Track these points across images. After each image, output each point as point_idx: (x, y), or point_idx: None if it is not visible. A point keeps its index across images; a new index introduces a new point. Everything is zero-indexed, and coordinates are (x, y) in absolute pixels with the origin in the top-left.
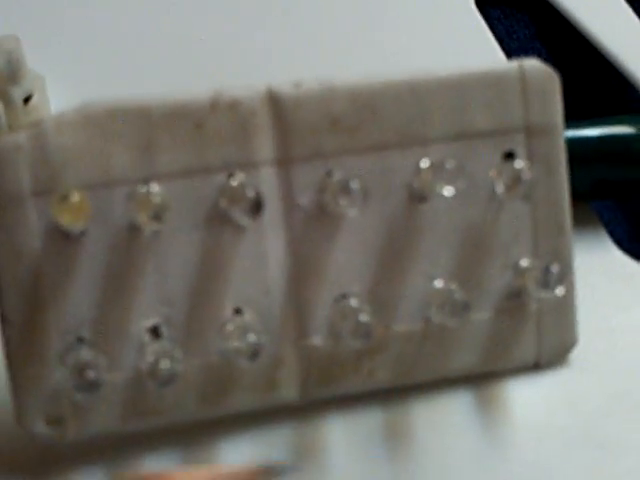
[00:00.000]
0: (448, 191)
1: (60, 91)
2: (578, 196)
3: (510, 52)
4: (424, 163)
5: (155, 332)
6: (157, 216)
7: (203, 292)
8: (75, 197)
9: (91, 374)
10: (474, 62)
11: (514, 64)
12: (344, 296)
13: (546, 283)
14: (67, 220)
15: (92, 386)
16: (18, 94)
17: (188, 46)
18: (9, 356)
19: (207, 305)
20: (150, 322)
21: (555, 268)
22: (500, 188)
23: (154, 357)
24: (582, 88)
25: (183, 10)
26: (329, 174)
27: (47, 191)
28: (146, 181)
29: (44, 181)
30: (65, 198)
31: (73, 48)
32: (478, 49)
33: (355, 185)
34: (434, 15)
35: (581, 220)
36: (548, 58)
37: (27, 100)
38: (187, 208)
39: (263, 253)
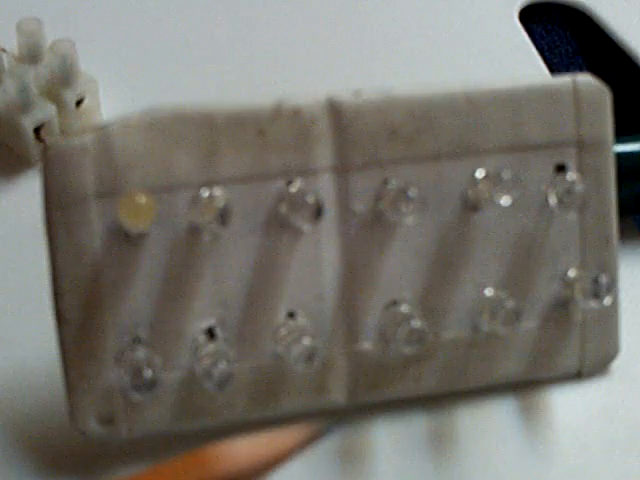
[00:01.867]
0: (505, 201)
1: (111, 95)
2: (621, 210)
3: (552, 68)
4: (480, 173)
5: (210, 333)
6: (220, 220)
7: (258, 295)
8: (142, 199)
9: (148, 373)
10: (518, 77)
11: (567, 78)
12: (395, 302)
13: (595, 293)
14: (132, 221)
15: (149, 385)
16: (71, 97)
17: (245, 53)
18: (64, 354)
19: (261, 308)
20: (205, 323)
21: (603, 279)
22: (553, 200)
23: (210, 358)
24: (622, 104)
25: (242, 17)
26: (385, 182)
27: (110, 193)
28: (208, 185)
29: (108, 183)
30: (132, 199)
31: (127, 52)
32: (522, 64)
33: (413, 193)
34: (479, 31)
35: (624, 233)
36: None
37: (79, 103)
38: (246, 213)
39: (318, 259)
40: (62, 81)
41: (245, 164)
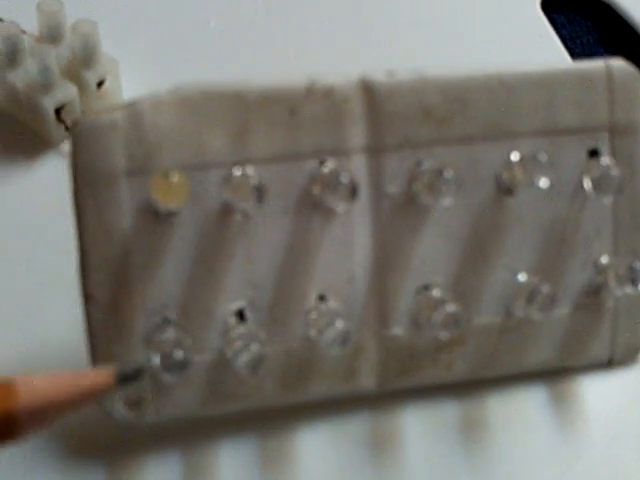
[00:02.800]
0: (544, 182)
1: (132, 76)
2: None
3: (573, 57)
4: (514, 156)
5: (240, 315)
6: (255, 198)
7: (289, 277)
8: (175, 177)
9: (179, 354)
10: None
11: (601, 63)
12: (426, 287)
13: (631, 280)
14: (165, 199)
15: (180, 366)
16: (92, 78)
17: (273, 34)
18: (91, 335)
19: (292, 290)
20: (236, 305)
21: (638, 265)
22: (588, 184)
23: (241, 341)
24: None
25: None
26: (418, 164)
27: (141, 171)
28: (240, 164)
29: (138, 161)
30: (166, 177)
31: (148, 33)
32: (545, 53)
33: (449, 174)
34: (502, 19)
35: None
36: None
37: (100, 84)
38: (278, 193)
39: (349, 240)
40: (83, 62)
41: (277, 143)
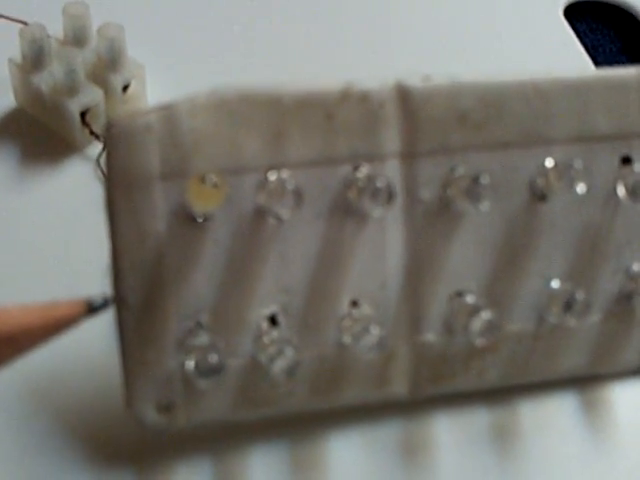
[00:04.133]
0: (581, 188)
1: (157, 81)
2: None
3: (597, 65)
4: (549, 162)
5: (272, 320)
6: (293, 203)
7: (322, 282)
8: (213, 180)
9: (214, 358)
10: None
11: (634, 70)
12: (459, 293)
13: None
14: (202, 203)
15: (215, 371)
16: (118, 82)
17: (303, 39)
18: (123, 339)
19: (325, 295)
20: (268, 310)
21: None
22: (622, 191)
23: (276, 346)
24: None
25: (311, 2)
26: (453, 169)
27: (176, 174)
28: (275, 169)
29: (173, 164)
30: (203, 181)
31: (174, 38)
32: (569, 61)
33: (485, 180)
34: (526, 28)
35: None
36: None
37: (125, 88)
38: (312, 198)
39: (382, 246)
40: (109, 65)
41: (312, 148)
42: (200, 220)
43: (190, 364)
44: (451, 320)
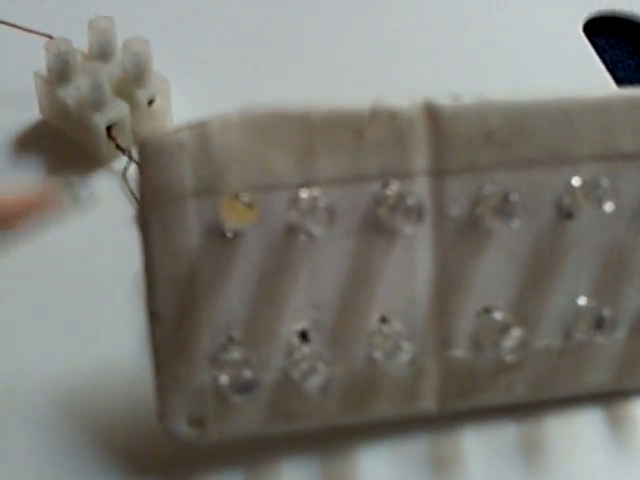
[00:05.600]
0: (609, 207)
1: (182, 96)
2: None
3: (616, 81)
4: (576, 181)
5: (303, 336)
6: (325, 220)
7: (352, 298)
8: (246, 198)
9: (247, 373)
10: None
11: None
12: (487, 310)
13: None
14: (235, 221)
15: (249, 386)
16: (143, 96)
17: (328, 56)
18: (156, 354)
19: (355, 311)
20: (299, 325)
21: None
22: None
23: (308, 361)
24: None
25: (327, 17)
26: (481, 187)
27: (208, 191)
28: (305, 186)
29: (206, 181)
30: (236, 198)
31: (200, 54)
32: (588, 76)
33: (515, 198)
34: (545, 43)
35: None
36: None
37: (150, 103)
38: (342, 215)
39: (411, 263)
40: (135, 80)
41: (342, 166)
42: (232, 236)
43: (224, 379)
44: (479, 336)
